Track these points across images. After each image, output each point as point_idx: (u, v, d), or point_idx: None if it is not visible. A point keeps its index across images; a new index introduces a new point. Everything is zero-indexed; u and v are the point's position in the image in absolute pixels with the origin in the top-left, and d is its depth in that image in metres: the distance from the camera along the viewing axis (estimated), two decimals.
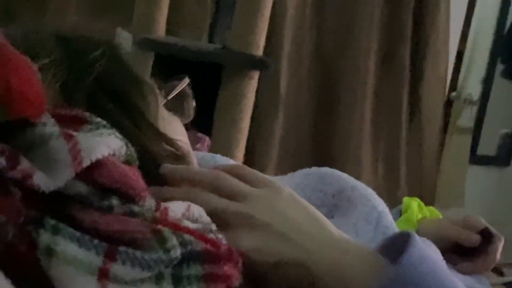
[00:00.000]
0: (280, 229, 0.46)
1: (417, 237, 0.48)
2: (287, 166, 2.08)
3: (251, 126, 1.54)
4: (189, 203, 0.44)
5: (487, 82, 2.85)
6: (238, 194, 0.48)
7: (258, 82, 1.51)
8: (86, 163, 0.36)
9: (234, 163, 0.78)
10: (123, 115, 0.49)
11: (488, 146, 2.97)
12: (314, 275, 0.46)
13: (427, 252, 0.47)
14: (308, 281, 0.46)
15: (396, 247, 0.49)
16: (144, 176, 0.41)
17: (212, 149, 1.39)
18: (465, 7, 2.63)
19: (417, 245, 0.46)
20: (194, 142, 1.38)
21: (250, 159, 1.92)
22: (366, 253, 0.49)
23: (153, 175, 0.47)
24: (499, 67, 2.89)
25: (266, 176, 0.52)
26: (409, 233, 0.49)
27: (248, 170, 0.52)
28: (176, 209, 0.43)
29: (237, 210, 0.47)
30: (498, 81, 2.89)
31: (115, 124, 0.44)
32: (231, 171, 0.50)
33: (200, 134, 1.46)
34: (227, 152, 1.43)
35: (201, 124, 1.39)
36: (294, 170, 0.79)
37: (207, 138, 1.47)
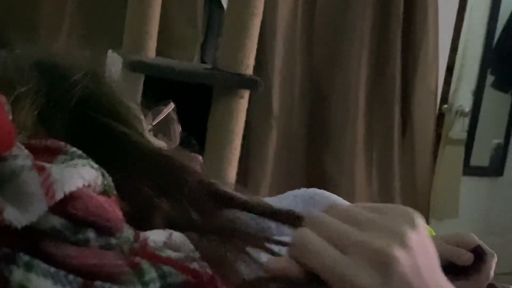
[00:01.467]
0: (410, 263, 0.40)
1: None
2: (281, 185, 2.07)
3: (244, 145, 1.53)
4: (170, 231, 0.43)
5: (478, 93, 2.87)
6: (362, 222, 0.41)
7: (250, 101, 1.52)
8: (59, 196, 0.35)
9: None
10: (104, 141, 0.48)
11: (481, 157, 2.97)
12: None
13: None
14: None
15: None
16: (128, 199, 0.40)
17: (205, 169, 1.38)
18: (454, 20, 2.65)
19: None
20: (188, 160, 1.38)
21: (243, 178, 1.92)
22: None
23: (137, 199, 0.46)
24: (490, 78, 2.90)
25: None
26: None
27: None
28: (157, 238, 0.42)
29: (364, 240, 0.40)
30: (489, 92, 2.90)
31: (97, 152, 0.43)
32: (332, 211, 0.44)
33: (192, 154, 1.46)
34: (220, 171, 1.42)
35: (190, 140, 1.39)
36: (288, 189, 0.78)
37: (200, 158, 1.46)
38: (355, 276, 0.38)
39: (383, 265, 0.38)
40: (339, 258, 0.39)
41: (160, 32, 1.58)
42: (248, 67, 1.45)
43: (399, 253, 0.39)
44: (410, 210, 0.44)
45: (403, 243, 0.39)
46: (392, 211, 0.43)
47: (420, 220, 0.42)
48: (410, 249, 0.39)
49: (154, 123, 0.61)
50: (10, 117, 0.40)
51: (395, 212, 0.43)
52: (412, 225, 0.41)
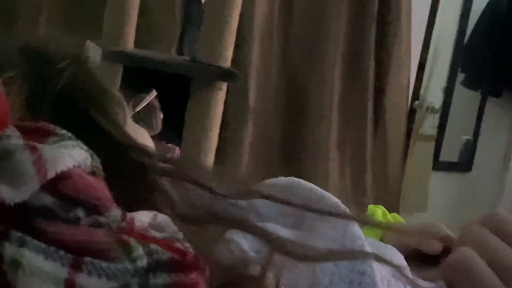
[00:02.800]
0: None
1: None
2: (257, 175, 2.09)
3: (220, 137, 1.55)
4: (155, 212, 0.44)
5: (448, 91, 2.92)
6: None
7: (227, 94, 1.53)
8: (51, 175, 0.36)
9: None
10: (88, 126, 0.50)
11: (450, 152, 3.03)
12: None
13: None
14: None
15: None
16: (112, 183, 0.41)
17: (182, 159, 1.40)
18: (426, 19, 2.70)
19: None
20: (164, 152, 1.39)
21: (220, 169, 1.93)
22: None
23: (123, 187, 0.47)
24: (460, 76, 2.96)
25: None
26: None
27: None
28: (143, 218, 0.43)
29: None
30: (459, 90, 2.96)
31: (82, 135, 0.44)
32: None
33: (170, 145, 1.47)
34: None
35: (171, 135, 1.40)
36: (264, 179, 0.79)
37: (177, 148, 1.47)
38: None
39: None
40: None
41: (138, 24, 1.58)
42: (227, 59, 1.46)
43: None
44: None
45: None
46: None
47: None
48: None
49: (137, 110, 0.62)
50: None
51: None
52: None
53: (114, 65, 1.44)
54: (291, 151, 2.27)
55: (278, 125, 2.23)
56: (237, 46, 1.55)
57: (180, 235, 0.44)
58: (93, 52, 1.52)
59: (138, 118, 0.63)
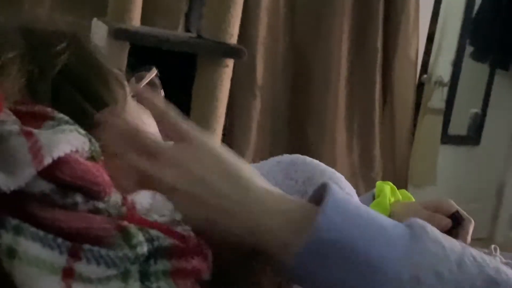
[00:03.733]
0: (188, 190, 0.42)
1: (333, 185, 0.44)
2: (264, 152, 2.09)
3: (228, 113, 1.54)
4: (154, 192, 0.43)
5: (457, 64, 2.89)
6: (152, 151, 0.44)
7: (234, 70, 1.52)
8: (47, 161, 0.35)
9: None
10: (88, 107, 0.48)
11: (459, 126, 3.01)
12: (239, 237, 0.42)
13: (344, 196, 0.43)
14: (233, 242, 0.43)
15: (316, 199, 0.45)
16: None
17: None
18: None
19: (333, 192, 0.43)
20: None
21: (228, 145, 1.93)
22: (293, 210, 0.43)
23: None
24: (468, 49, 2.92)
25: (188, 127, 0.46)
26: (325, 184, 0.44)
27: (170, 120, 0.47)
28: (143, 200, 0.42)
29: (146, 169, 0.43)
30: (468, 63, 2.93)
31: (81, 118, 0.43)
32: (159, 117, 0.47)
33: None
34: None
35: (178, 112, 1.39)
36: (272, 155, 0.79)
37: None
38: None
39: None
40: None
41: (144, 1, 1.56)
42: (232, 36, 1.45)
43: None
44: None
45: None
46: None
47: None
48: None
49: (138, 88, 0.60)
50: None
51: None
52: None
53: (121, 42, 1.43)
54: (299, 126, 2.26)
55: (286, 100, 2.22)
56: (244, 22, 1.53)
57: (179, 216, 0.43)
58: (99, 29, 1.50)
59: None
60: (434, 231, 0.43)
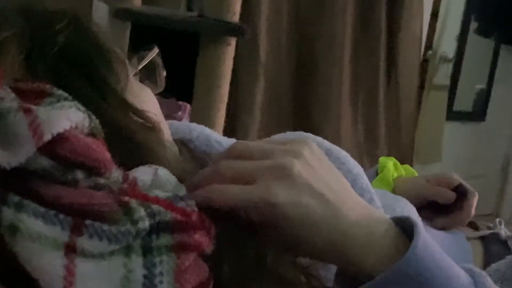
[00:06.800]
0: (317, 188, 0.44)
1: (419, 224, 0.46)
2: (269, 130, 2.09)
3: (232, 93, 1.54)
4: (156, 167, 0.43)
5: (462, 39, 2.86)
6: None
7: (237, 49, 1.51)
8: (47, 137, 0.35)
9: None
10: (88, 86, 0.48)
11: (464, 102, 3.00)
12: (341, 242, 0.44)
13: (430, 241, 0.45)
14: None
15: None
16: (114, 148, 0.40)
17: (193, 116, 1.40)
18: None
19: (421, 235, 0.44)
20: (175, 109, 1.38)
21: (231, 125, 1.93)
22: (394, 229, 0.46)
23: (123, 147, 0.46)
24: (473, 24, 2.89)
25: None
26: (412, 221, 0.46)
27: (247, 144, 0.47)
28: (145, 176, 0.42)
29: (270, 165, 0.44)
30: (472, 38, 2.90)
31: (81, 96, 0.42)
32: (231, 153, 0.47)
33: (180, 102, 1.46)
34: (208, 118, 1.43)
35: (181, 92, 1.39)
36: (276, 133, 0.78)
37: (188, 106, 1.47)
38: (267, 193, 0.42)
39: (283, 173, 0.43)
40: (243, 188, 0.43)
41: None
42: (235, 14, 1.43)
43: (293, 161, 0.44)
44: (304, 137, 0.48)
45: (295, 154, 0.45)
46: (289, 141, 0.48)
47: (312, 143, 0.48)
48: (301, 156, 0.45)
49: (139, 67, 0.60)
50: None
51: (290, 141, 0.48)
52: (304, 144, 0.47)
53: (122, 22, 1.43)
54: (303, 105, 2.25)
55: (290, 79, 2.21)
56: (247, 1, 1.52)
57: (182, 191, 0.43)
58: (101, 9, 1.49)
59: (141, 76, 0.62)
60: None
